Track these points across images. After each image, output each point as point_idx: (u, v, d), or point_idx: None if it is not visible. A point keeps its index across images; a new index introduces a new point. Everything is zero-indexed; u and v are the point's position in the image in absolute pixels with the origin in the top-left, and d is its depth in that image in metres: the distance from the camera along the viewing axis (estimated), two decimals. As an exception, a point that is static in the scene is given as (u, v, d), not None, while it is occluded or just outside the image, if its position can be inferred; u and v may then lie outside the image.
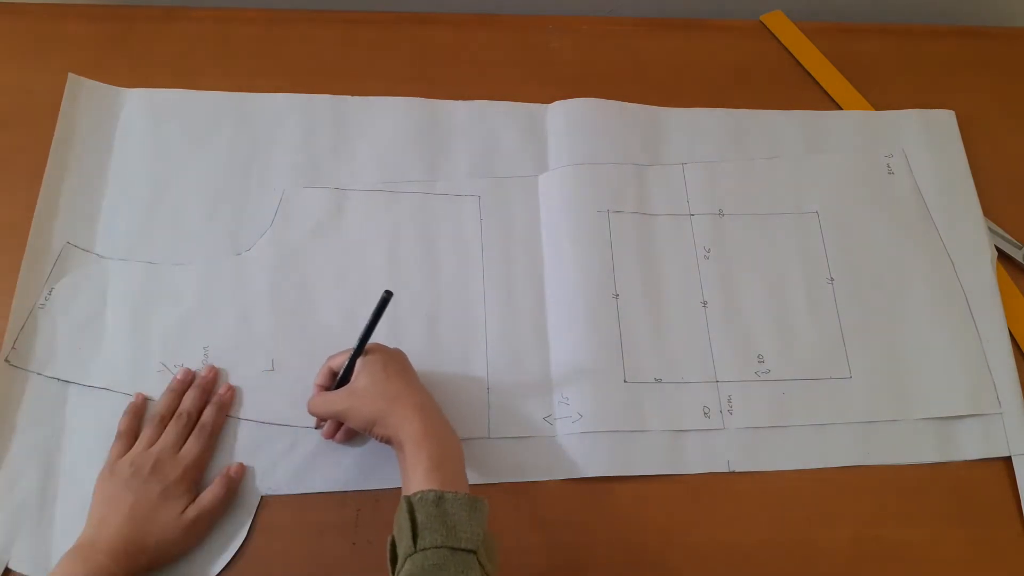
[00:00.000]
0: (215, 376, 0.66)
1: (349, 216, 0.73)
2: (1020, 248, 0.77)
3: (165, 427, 0.62)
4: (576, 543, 0.64)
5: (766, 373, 0.70)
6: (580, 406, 0.67)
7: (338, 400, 0.59)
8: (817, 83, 0.85)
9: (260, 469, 0.64)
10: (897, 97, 0.84)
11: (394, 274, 0.71)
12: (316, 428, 0.65)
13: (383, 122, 0.77)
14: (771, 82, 0.85)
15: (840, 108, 0.83)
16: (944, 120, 0.82)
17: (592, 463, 0.66)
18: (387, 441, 0.58)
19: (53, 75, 0.75)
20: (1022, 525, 0.66)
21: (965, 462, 0.68)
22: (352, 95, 0.78)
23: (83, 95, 0.75)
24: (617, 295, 0.71)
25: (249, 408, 0.65)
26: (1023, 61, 0.88)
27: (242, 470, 0.63)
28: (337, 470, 0.64)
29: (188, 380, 0.65)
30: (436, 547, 0.49)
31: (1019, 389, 0.70)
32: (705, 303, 0.72)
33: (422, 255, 0.72)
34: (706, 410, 0.68)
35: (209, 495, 0.60)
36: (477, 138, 0.77)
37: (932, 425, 0.69)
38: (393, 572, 0.50)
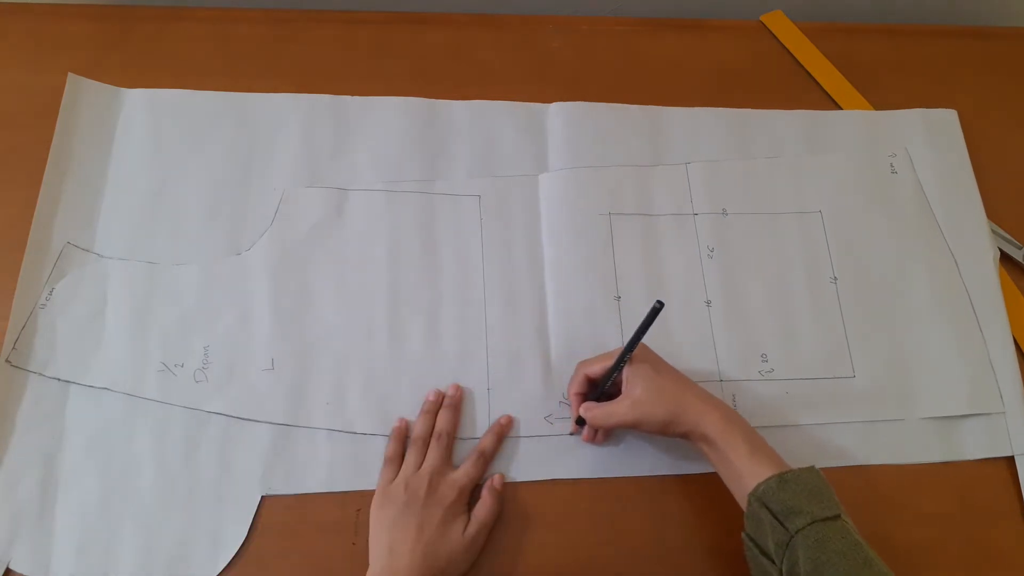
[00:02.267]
0: (460, 394, 0.66)
1: (349, 216, 0.73)
2: (1020, 248, 0.77)
3: (426, 449, 0.63)
4: (576, 543, 0.64)
5: (770, 372, 0.70)
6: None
7: (626, 413, 0.60)
8: (817, 83, 0.85)
9: (259, 469, 0.63)
10: (897, 97, 0.84)
11: (394, 274, 0.71)
12: (572, 433, 0.66)
13: (383, 122, 0.77)
14: (771, 82, 0.85)
15: (840, 108, 0.83)
16: (947, 120, 0.82)
17: (593, 463, 0.66)
18: (683, 436, 0.60)
19: (53, 75, 0.75)
20: (1025, 525, 0.66)
21: (968, 462, 0.68)
22: (352, 95, 0.78)
23: (83, 95, 0.75)
24: (619, 297, 0.71)
25: (249, 408, 0.65)
26: (1023, 61, 0.88)
27: (502, 480, 0.64)
28: (337, 470, 0.64)
29: (439, 401, 0.66)
30: (808, 524, 0.51)
31: (1021, 389, 0.70)
32: (709, 303, 0.72)
33: (422, 255, 0.72)
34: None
35: (484, 510, 0.62)
36: (477, 138, 0.77)
37: (935, 425, 0.69)
38: (773, 562, 0.52)
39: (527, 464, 0.66)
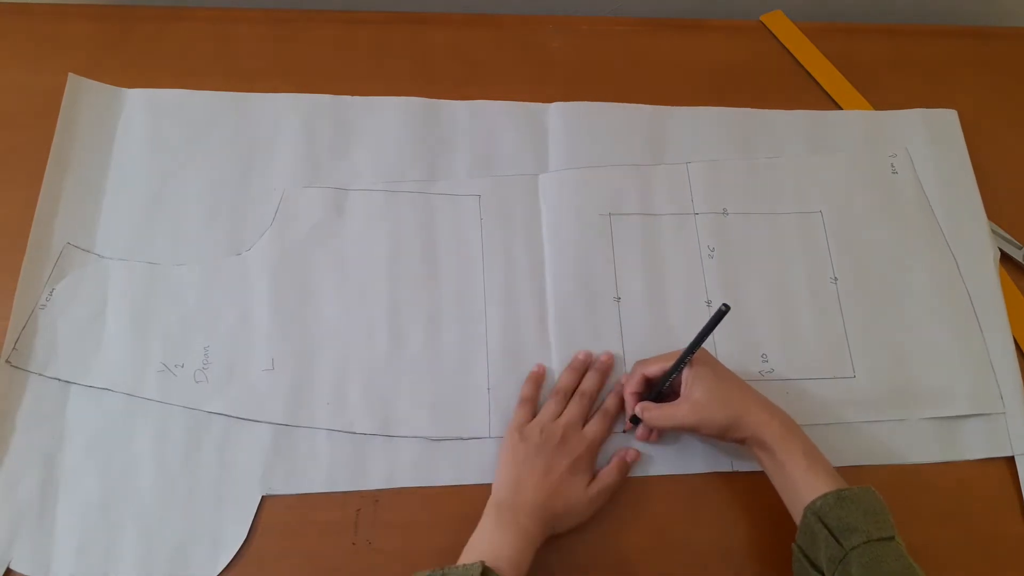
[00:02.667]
0: (612, 362, 0.68)
1: (349, 216, 0.73)
2: (1021, 248, 0.77)
3: (566, 402, 0.65)
4: (575, 543, 0.63)
5: (770, 372, 0.70)
6: (582, 406, 0.67)
7: (686, 415, 0.61)
8: (817, 83, 0.85)
9: (259, 469, 0.63)
10: (897, 97, 0.84)
11: (394, 274, 0.71)
12: (625, 431, 0.67)
13: (383, 122, 0.77)
14: (771, 82, 0.85)
15: (840, 108, 0.83)
16: (947, 120, 0.82)
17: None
18: (740, 442, 0.61)
19: (53, 75, 0.75)
20: (1025, 525, 0.66)
21: (968, 462, 0.68)
22: (352, 95, 0.78)
23: (83, 95, 0.75)
24: (619, 298, 0.71)
25: (249, 408, 0.65)
26: (1023, 61, 0.88)
27: (637, 456, 0.65)
28: (337, 470, 0.64)
29: (588, 361, 0.68)
30: (864, 543, 0.52)
31: (1021, 389, 0.70)
32: (709, 303, 0.72)
33: (422, 255, 0.72)
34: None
35: (609, 476, 0.63)
36: (477, 138, 0.77)
37: (935, 425, 0.69)
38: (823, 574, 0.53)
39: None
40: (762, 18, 0.89)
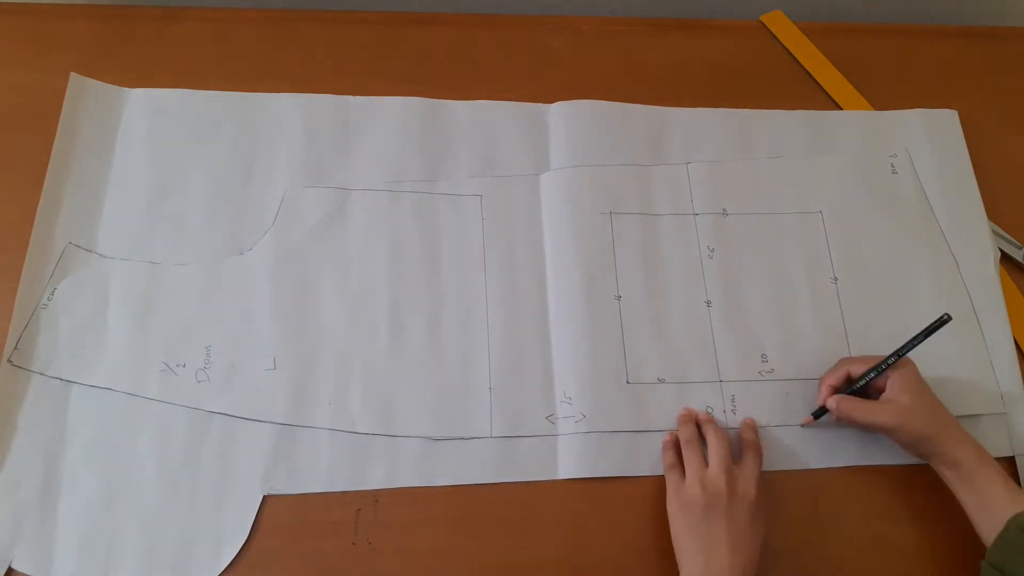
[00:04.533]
0: (711, 419, 0.67)
1: (351, 216, 0.73)
2: (1021, 248, 0.77)
3: (701, 450, 0.64)
4: (576, 543, 0.64)
5: (770, 373, 0.70)
6: (582, 406, 0.67)
7: (888, 417, 0.62)
8: (817, 83, 0.85)
9: (261, 468, 0.64)
10: (897, 97, 0.84)
11: (396, 274, 0.71)
12: (804, 425, 0.68)
13: (385, 122, 0.77)
14: (771, 82, 0.85)
15: (840, 108, 0.83)
16: (947, 120, 0.82)
17: (594, 463, 0.66)
18: (926, 456, 0.63)
19: (55, 75, 0.75)
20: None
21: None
22: (352, 95, 0.78)
23: (85, 95, 0.75)
24: (619, 297, 0.71)
25: (251, 407, 0.65)
26: (1023, 61, 0.88)
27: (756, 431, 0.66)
28: (338, 470, 0.64)
29: (692, 414, 0.67)
30: None
31: (1021, 389, 0.70)
32: (709, 303, 0.72)
33: (424, 255, 0.72)
34: (710, 410, 0.68)
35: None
36: (479, 138, 0.77)
37: (935, 424, 0.69)
38: None
39: (528, 463, 0.66)
40: (762, 18, 0.89)
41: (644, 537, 0.64)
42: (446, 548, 0.63)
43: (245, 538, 0.61)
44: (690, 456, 0.63)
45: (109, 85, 0.76)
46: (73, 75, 0.75)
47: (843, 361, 0.67)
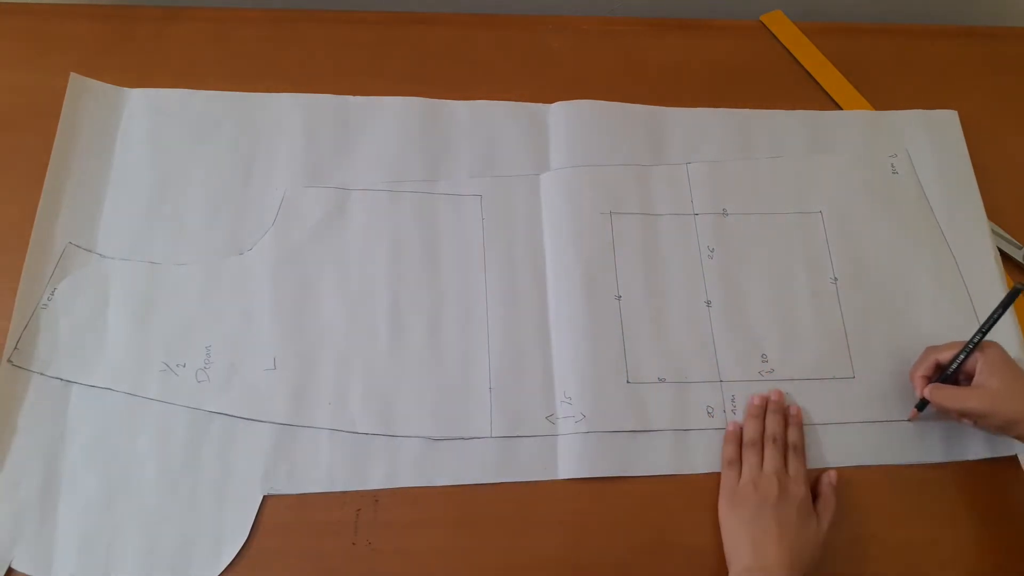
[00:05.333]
0: (781, 396, 0.68)
1: (351, 216, 0.73)
2: (1020, 248, 0.77)
3: (762, 452, 0.65)
4: (576, 543, 0.64)
5: (770, 373, 0.70)
6: (582, 406, 0.67)
7: (978, 401, 0.62)
8: (817, 83, 0.85)
9: (261, 468, 0.64)
10: (897, 97, 0.84)
11: (396, 274, 0.71)
12: (910, 419, 0.68)
13: (385, 122, 0.77)
14: (771, 82, 0.85)
15: (840, 108, 0.83)
16: (947, 120, 0.82)
17: (594, 463, 0.66)
18: (1021, 439, 0.62)
19: (55, 75, 0.75)
20: (1028, 525, 0.66)
21: (971, 462, 0.68)
22: (353, 95, 0.78)
23: (85, 95, 0.75)
24: (619, 296, 0.71)
25: (251, 407, 0.65)
26: (1023, 61, 0.88)
27: (837, 476, 0.66)
28: (338, 470, 0.64)
29: (764, 405, 0.68)
30: None
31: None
32: (709, 303, 0.72)
33: (424, 255, 0.72)
34: (709, 410, 0.68)
35: (829, 507, 0.64)
36: (479, 138, 0.77)
37: (937, 425, 0.69)
38: None
39: (528, 463, 0.66)
40: (762, 18, 0.89)
41: (644, 537, 0.64)
42: (446, 548, 0.63)
43: (245, 538, 0.61)
44: (750, 457, 0.65)
45: (109, 85, 0.76)
46: (73, 75, 0.75)
47: (929, 350, 0.67)
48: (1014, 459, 0.68)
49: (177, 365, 0.66)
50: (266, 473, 0.63)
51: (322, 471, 0.64)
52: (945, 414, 0.66)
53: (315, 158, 0.75)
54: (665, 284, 0.72)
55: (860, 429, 0.68)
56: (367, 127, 0.77)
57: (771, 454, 0.64)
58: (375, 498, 0.64)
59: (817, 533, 0.61)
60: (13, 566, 0.59)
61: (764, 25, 0.89)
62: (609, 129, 0.78)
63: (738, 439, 0.67)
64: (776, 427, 0.66)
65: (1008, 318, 0.73)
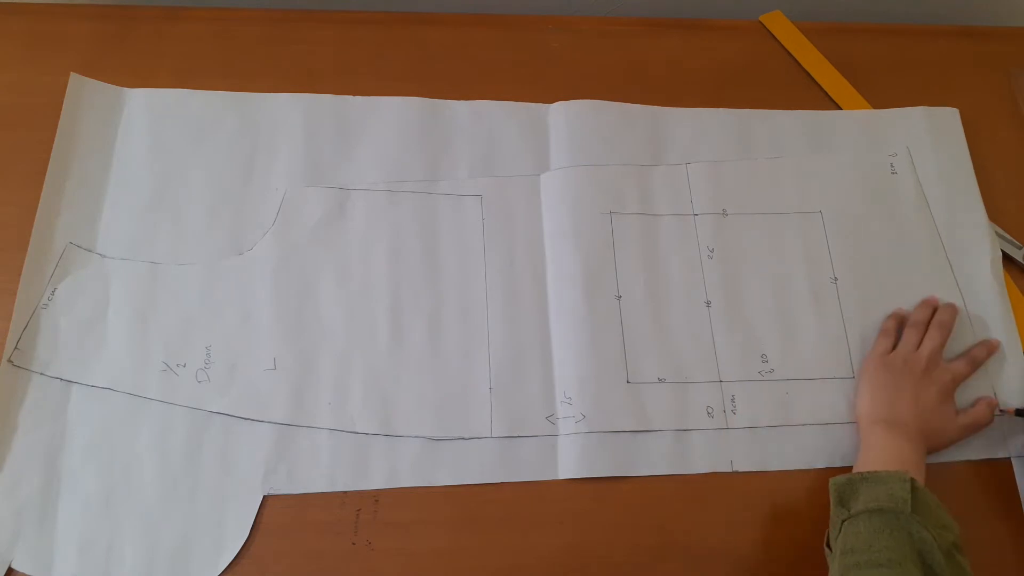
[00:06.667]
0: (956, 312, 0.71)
1: (351, 216, 0.73)
2: (1020, 248, 0.77)
3: (923, 334, 0.68)
4: (576, 543, 0.64)
5: (770, 373, 0.70)
6: (583, 406, 0.67)
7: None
8: (817, 83, 0.85)
9: (261, 468, 0.64)
10: (897, 97, 0.84)
11: (396, 274, 0.71)
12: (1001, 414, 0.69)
13: (385, 122, 0.77)
14: (771, 82, 0.85)
15: (840, 108, 0.83)
16: (948, 118, 0.82)
17: (595, 463, 0.66)
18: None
19: (55, 75, 0.75)
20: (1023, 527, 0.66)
21: (965, 463, 0.68)
22: (353, 95, 0.78)
23: (85, 95, 0.75)
24: (620, 296, 0.71)
25: (251, 407, 0.65)
26: (1023, 61, 0.88)
27: (995, 403, 0.68)
28: (338, 470, 0.64)
29: (936, 301, 0.71)
30: None
31: (1019, 390, 0.70)
32: (709, 303, 0.72)
33: (424, 255, 0.72)
34: (709, 410, 0.68)
35: (979, 413, 0.66)
36: (479, 138, 0.77)
37: (934, 425, 0.69)
38: None
39: (528, 463, 0.66)
40: (761, 18, 0.89)
41: (644, 537, 0.64)
42: (446, 548, 0.63)
43: (245, 538, 0.61)
44: (909, 334, 0.68)
45: (109, 85, 0.76)
46: (73, 75, 0.75)
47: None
48: (1007, 461, 0.68)
49: (177, 365, 0.66)
50: (266, 473, 0.63)
51: (322, 471, 0.64)
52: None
53: (315, 158, 0.75)
54: (665, 284, 0.72)
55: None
56: (367, 127, 0.77)
57: (932, 335, 0.67)
58: (375, 498, 0.64)
59: (954, 420, 0.64)
60: (13, 566, 0.59)
61: (763, 25, 0.89)
62: (609, 129, 0.78)
63: (903, 314, 0.71)
64: (947, 315, 0.69)
65: (1007, 317, 0.73)
